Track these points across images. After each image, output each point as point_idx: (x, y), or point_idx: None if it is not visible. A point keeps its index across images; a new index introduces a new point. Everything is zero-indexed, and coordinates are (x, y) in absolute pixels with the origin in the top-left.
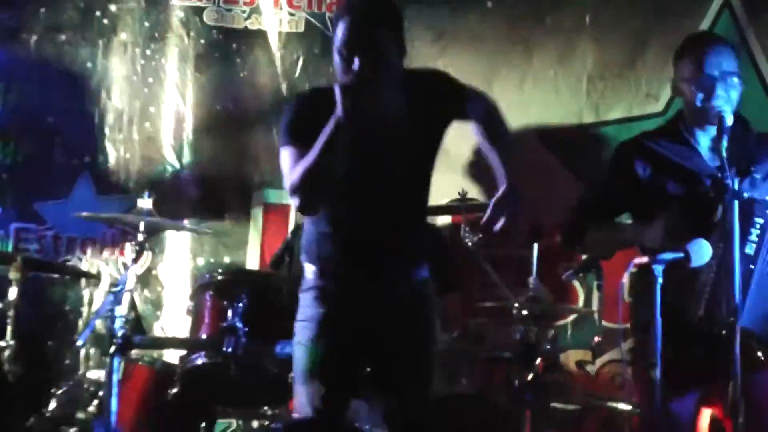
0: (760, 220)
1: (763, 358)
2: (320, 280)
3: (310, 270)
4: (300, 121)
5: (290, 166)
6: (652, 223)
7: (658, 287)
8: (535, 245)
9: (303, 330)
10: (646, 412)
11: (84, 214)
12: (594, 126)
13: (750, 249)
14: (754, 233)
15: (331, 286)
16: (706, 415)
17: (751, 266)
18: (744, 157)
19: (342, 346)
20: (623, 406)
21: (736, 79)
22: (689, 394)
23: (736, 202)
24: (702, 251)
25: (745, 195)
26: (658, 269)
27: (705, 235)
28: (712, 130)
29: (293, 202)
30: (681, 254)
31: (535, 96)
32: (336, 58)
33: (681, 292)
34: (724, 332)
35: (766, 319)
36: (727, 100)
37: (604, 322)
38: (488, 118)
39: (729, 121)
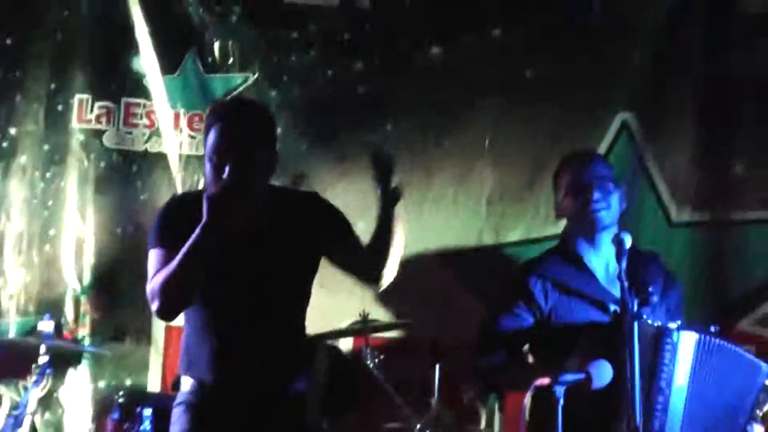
0: (669, 346)
1: None
2: (192, 394)
3: (186, 383)
4: (169, 225)
5: (154, 268)
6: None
7: (560, 409)
8: (437, 367)
9: None
10: None
11: None
12: (494, 248)
13: (667, 374)
14: (667, 357)
15: (202, 402)
16: None
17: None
18: (635, 279)
19: None
20: None
21: (611, 184)
22: None
23: (636, 324)
24: (603, 372)
25: (650, 321)
26: (560, 390)
27: (610, 358)
28: (603, 249)
29: (152, 307)
30: (582, 375)
31: (435, 217)
32: (207, 165)
33: (590, 413)
34: None
35: None
36: (606, 206)
37: None
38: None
39: (628, 243)
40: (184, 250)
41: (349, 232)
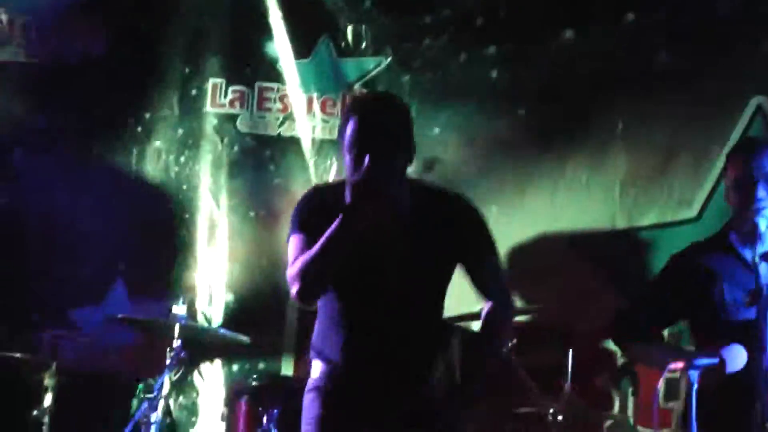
0: None
1: None
2: (324, 379)
3: (316, 368)
4: (310, 212)
5: (294, 254)
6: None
7: (694, 392)
8: (570, 352)
9: None
10: None
11: (119, 316)
12: (627, 232)
13: None
14: None
15: (334, 387)
16: None
17: None
18: None
19: None
20: None
21: None
22: None
23: None
24: (737, 357)
25: None
26: (694, 375)
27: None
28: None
29: (292, 290)
30: (716, 360)
31: (568, 202)
32: (346, 157)
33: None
34: None
35: None
36: None
37: (639, 427)
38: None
39: (762, 227)
40: (326, 235)
41: (486, 250)
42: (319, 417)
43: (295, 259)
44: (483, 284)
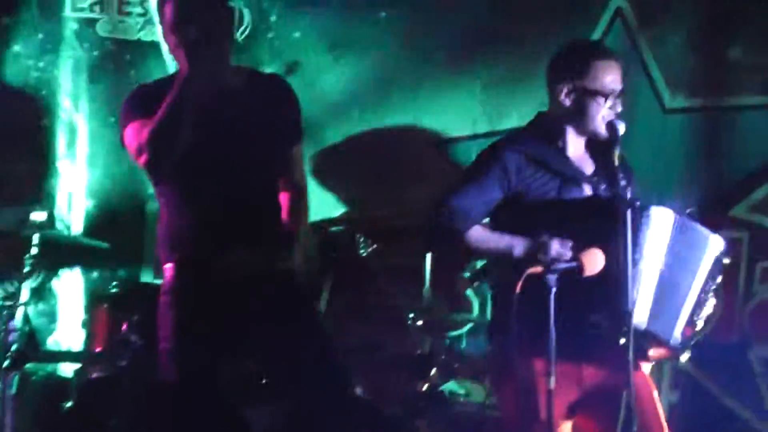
0: (645, 225)
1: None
2: (175, 279)
3: (169, 270)
4: (143, 100)
5: (134, 135)
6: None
7: (552, 297)
8: (429, 255)
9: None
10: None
11: None
12: (489, 135)
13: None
14: (644, 234)
15: (185, 284)
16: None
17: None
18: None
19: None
20: None
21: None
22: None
23: (629, 211)
24: (595, 260)
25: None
26: (552, 279)
27: (600, 243)
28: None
29: (140, 160)
30: (574, 264)
31: (430, 106)
32: (169, 40)
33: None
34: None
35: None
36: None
37: None
38: None
39: (621, 129)
40: (167, 101)
41: (298, 135)
42: (174, 319)
43: (137, 137)
44: (288, 168)
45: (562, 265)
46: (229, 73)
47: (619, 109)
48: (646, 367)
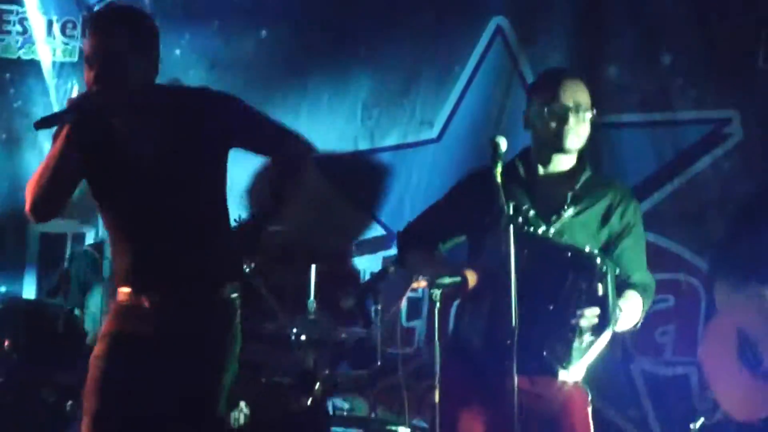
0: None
1: None
2: (130, 299)
3: (122, 292)
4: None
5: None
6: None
7: (437, 311)
8: (313, 270)
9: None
10: None
11: None
12: (369, 153)
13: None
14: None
15: (130, 305)
16: None
17: None
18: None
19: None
20: (403, 430)
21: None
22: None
23: (511, 228)
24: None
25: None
26: (436, 293)
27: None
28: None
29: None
30: (458, 278)
31: (311, 124)
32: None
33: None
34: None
35: None
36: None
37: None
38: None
39: (503, 146)
40: (49, 153)
41: (254, 117)
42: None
43: None
44: (264, 145)
45: (447, 280)
46: (149, 95)
47: None
48: (579, 375)
